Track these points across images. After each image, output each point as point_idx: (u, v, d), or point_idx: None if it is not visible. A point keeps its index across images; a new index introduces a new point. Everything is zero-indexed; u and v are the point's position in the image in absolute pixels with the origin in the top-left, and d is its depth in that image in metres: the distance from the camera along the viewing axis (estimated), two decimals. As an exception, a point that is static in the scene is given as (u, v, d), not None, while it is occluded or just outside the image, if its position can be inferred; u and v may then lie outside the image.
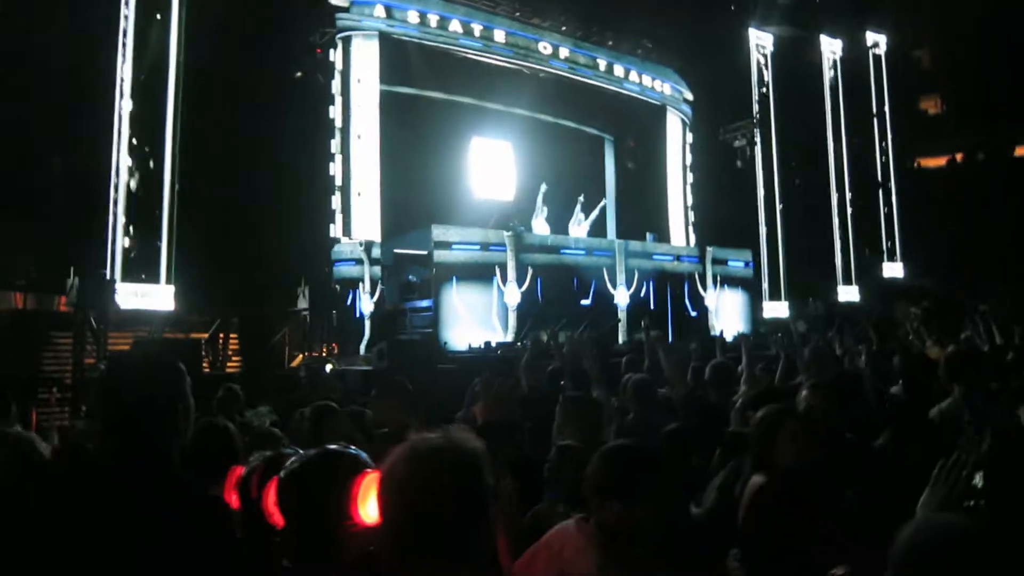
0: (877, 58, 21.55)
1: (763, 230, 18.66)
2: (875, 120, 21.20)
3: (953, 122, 25.54)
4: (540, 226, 13.61)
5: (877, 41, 21.45)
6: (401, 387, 3.77)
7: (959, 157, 24.87)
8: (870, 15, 20.98)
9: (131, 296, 10.20)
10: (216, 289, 11.13)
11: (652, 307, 13.79)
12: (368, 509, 1.56)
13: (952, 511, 1.80)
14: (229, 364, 11.57)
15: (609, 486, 2.13)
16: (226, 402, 5.08)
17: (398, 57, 13.86)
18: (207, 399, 5.16)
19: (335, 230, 12.77)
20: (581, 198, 14.57)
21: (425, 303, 11.80)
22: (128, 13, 10.42)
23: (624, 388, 4.70)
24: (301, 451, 1.89)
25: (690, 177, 18.38)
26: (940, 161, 25.23)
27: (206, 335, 10.99)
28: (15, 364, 8.83)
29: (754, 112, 18.75)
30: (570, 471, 2.73)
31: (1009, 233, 19.38)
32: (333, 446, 1.83)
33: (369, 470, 1.63)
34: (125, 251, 10.23)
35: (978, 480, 1.82)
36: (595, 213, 14.44)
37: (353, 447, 1.81)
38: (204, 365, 10.73)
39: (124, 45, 10.37)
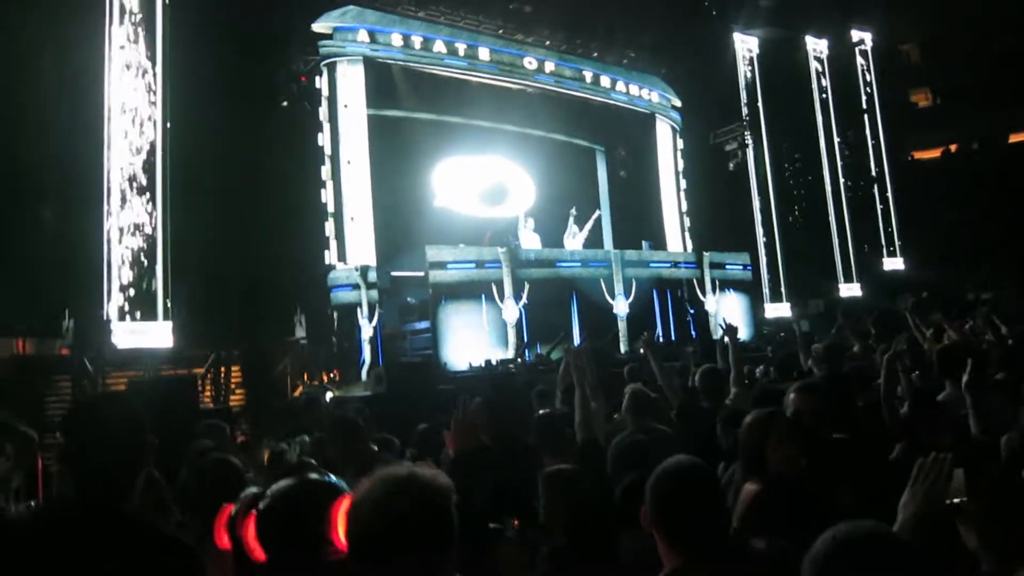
0: (864, 55, 21.68)
1: (760, 232, 18.69)
2: (866, 116, 21.29)
3: (945, 113, 25.65)
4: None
5: (863, 38, 21.60)
6: (351, 426, 3.73)
7: (953, 148, 24.94)
8: (854, 13, 21.12)
9: (128, 335, 10.23)
10: (214, 323, 11.14)
11: (652, 314, 13.79)
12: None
13: (932, 510, 1.79)
14: (232, 397, 11.54)
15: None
16: (212, 436, 5.01)
17: (384, 80, 13.97)
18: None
19: (330, 256, 12.80)
20: (573, 211, 14.59)
21: (424, 324, 11.80)
22: (112, 55, 10.50)
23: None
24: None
25: (683, 183, 18.41)
26: (935, 153, 25.30)
27: (201, 370, 10.98)
28: (19, 410, 8.82)
29: (744, 115, 18.83)
30: (561, 505, 2.59)
31: (1007, 221, 19.38)
32: (310, 475, 1.80)
33: (346, 495, 1.61)
34: (121, 290, 10.27)
35: (958, 480, 1.80)
36: (590, 224, 14.45)
37: (331, 475, 1.79)
38: (205, 399, 10.72)
39: (110, 84, 10.45)
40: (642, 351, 6.57)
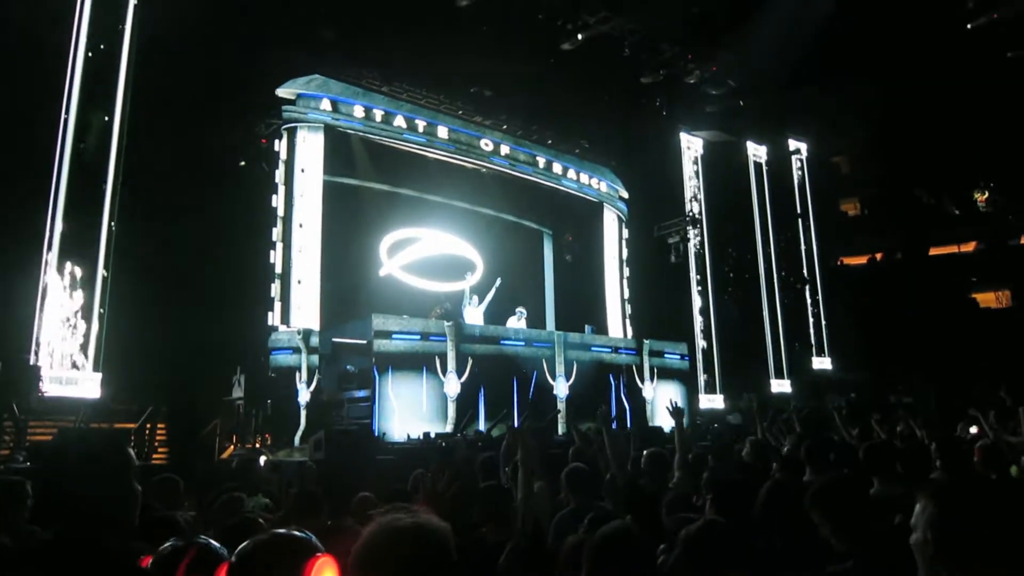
0: (800, 162, 23.09)
1: (698, 324, 19.34)
2: (800, 220, 22.52)
3: (872, 223, 27.34)
4: (473, 315, 13.69)
5: (799, 147, 23.03)
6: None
7: (879, 256, 26.48)
8: (793, 123, 22.59)
9: (54, 383, 9.94)
10: (146, 377, 10.92)
11: (590, 398, 14.01)
12: None
13: None
14: (155, 456, 11.20)
15: None
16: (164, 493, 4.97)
17: (342, 148, 14.27)
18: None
19: (273, 318, 12.75)
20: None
21: (363, 393, 11.75)
22: (71, 105, 10.53)
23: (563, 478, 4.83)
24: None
25: (627, 271, 19.03)
26: (861, 260, 26.80)
27: (134, 425, 10.68)
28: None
29: (687, 211, 19.72)
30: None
31: (926, 329, 20.55)
32: (282, 530, 1.87)
33: (320, 554, 1.67)
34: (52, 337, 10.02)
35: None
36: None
37: (305, 531, 1.84)
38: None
39: (65, 128, 10.44)
40: (600, 419, 6.75)
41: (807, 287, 22.17)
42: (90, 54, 10.74)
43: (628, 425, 14.17)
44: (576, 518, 4.09)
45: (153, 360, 10.87)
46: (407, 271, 16.11)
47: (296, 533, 1.82)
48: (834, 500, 2.65)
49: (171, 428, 11.63)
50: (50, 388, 9.81)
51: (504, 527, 3.54)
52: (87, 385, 10.29)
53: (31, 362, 9.69)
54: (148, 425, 11.24)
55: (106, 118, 10.87)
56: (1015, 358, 17.16)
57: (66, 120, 10.44)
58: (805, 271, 22.23)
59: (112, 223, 10.71)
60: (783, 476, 4.44)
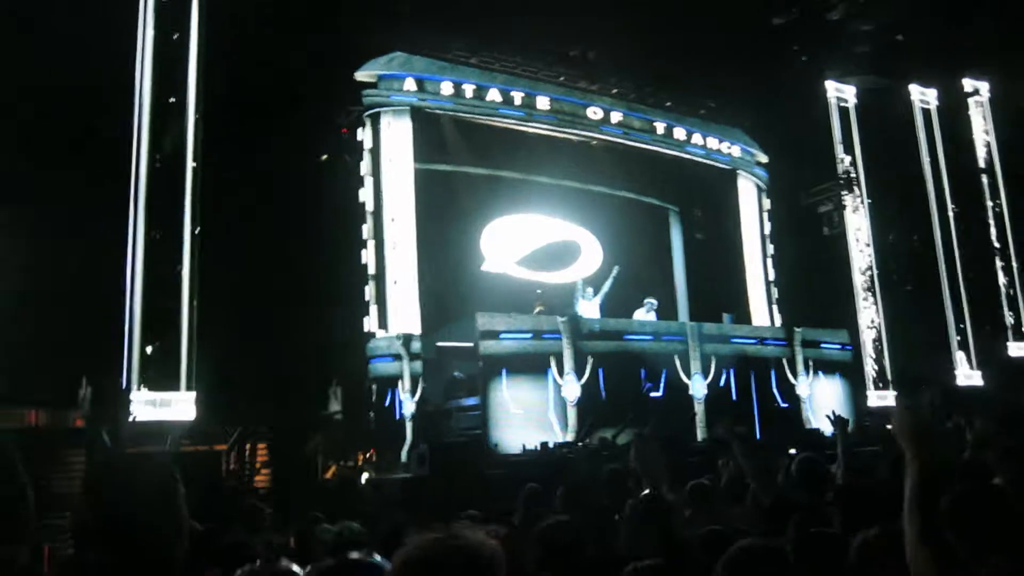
0: (980, 106, 21.59)
1: (862, 306, 18.43)
2: (984, 177, 21.06)
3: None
4: (589, 309, 13.53)
5: (978, 88, 21.53)
6: None
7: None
8: (967, 58, 21.11)
9: (148, 406, 10.57)
10: (240, 394, 11.43)
11: (734, 398, 13.62)
12: None
13: None
14: (257, 477, 11.74)
15: None
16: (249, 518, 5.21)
17: (432, 132, 14.50)
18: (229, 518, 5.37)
19: (369, 323, 13.08)
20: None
21: (472, 401, 11.87)
22: (144, 101, 11.20)
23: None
24: None
25: (770, 248, 18.38)
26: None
27: (225, 447, 11.23)
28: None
29: (840, 172, 18.84)
30: None
31: None
32: (355, 555, 2.09)
33: None
34: (142, 356, 10.65)
35: None
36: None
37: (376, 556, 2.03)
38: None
39: (139, 131, 11.11)
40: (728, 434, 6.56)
41: (997, 256, 20.71)
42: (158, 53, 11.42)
43: (779, 429, 13.70)
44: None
45: (245, 376, 11.37)
46: (513, 264, 16.18)
47: (368, 559, 2.09)
48: None
49: (272, 448, 12.17)
50: (143, 411, 10.44)
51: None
52: (181, 406, 10.86)
53: (120, 385, 10.34)
54: (248, 446, 11.80)
55: (180, 119, 11.49)
56: None
57: (139, 123, 11.12)
58: (994, 238, 20.76)
59: (196, 230, 11.28)
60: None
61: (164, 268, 11.04)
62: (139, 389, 10.57)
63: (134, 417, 10.31)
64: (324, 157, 13.60)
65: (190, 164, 11.39)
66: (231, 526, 5.07)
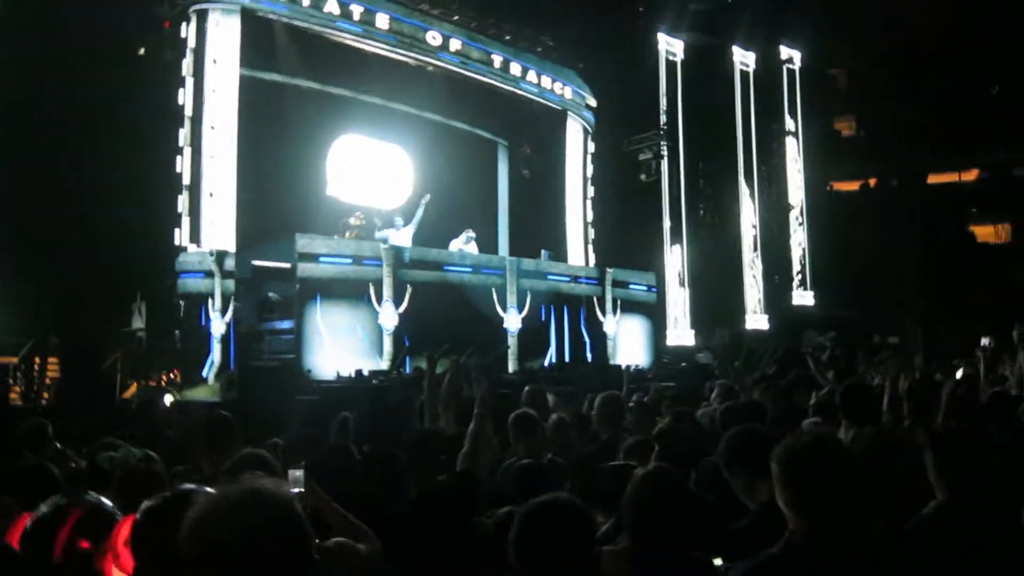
0: (791, 73, 22.96)
1: (668, 252, 19.44)
2: (787, 139, 22.56)
3: (867, 145, 27.57)
4: (400, 239, 13.40)
5: (792, 56, 22.86)
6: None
7: (872, 182, 26.83)
8: (786, 28, 22.33)
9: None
10: (33, 305, 10.58)
11: (547, 331, 14.13)
12: None
13: None
14: (46, 394, 10.99)
15: None
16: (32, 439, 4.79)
17: (263, 38, 13.65)
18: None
19: (181, 236, 12.38)
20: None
21: (286, 324, 11.62)
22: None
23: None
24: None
25: (591, 190, 18.91)
26: (853, 185, 27.13)
27: (15, 359, 10.41)
28: None
29: (661, 123, 19.56)
30: None
31: (918, 263, 21.04)
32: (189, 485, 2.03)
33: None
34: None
35: None
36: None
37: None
38: (13, 395, 10.17)
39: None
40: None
41: (791, 213, 22.39)
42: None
43: (588, 361, 14.38)
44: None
45: (41, 286, 10.54)
46: (340, 186, 15.77)
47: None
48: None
49: (64, 363, 11.39)
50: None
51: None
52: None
53: None
54: (37, 359, 10.99)
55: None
56: (1012, 296, 17.71)
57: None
58: (790, 196, 22.41)
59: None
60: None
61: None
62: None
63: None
64: (142, 51, 12.52)
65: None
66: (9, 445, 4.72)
